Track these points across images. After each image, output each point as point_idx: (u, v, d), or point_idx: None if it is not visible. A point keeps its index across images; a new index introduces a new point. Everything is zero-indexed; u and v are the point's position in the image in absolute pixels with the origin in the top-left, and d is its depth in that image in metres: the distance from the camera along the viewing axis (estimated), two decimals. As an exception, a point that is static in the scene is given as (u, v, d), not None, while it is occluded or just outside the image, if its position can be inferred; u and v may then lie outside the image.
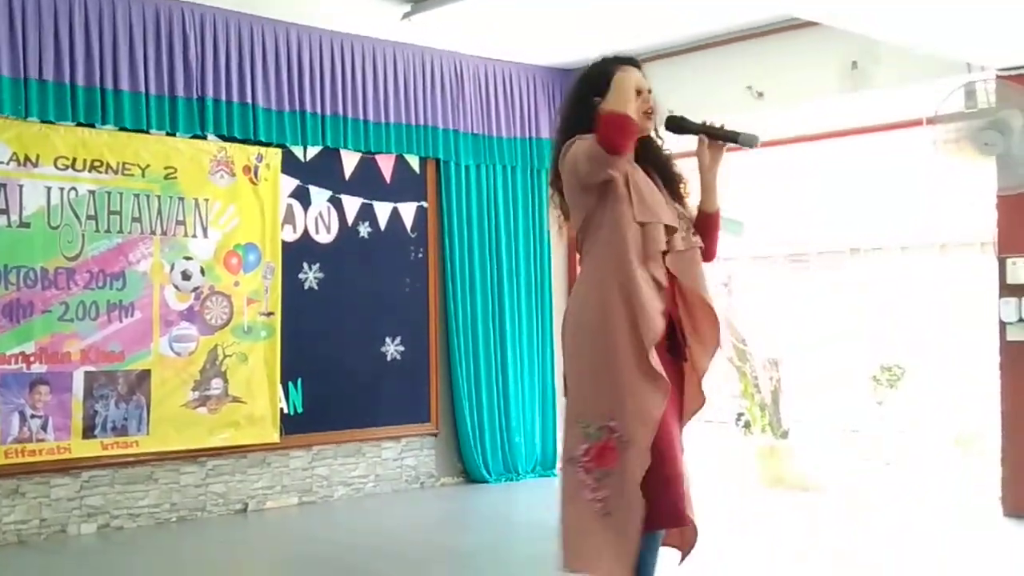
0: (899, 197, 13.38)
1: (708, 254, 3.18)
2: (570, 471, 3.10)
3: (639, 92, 3.07)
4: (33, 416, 5.57)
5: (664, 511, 2.95)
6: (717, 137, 3.11)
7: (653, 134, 3.21)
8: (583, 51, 7.29)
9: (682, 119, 3.15)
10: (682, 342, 3.06)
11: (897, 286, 14.47)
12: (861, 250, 14.78)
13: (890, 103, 6.49)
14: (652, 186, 3.06)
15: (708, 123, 3.14)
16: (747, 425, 9.29)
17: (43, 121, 5.61)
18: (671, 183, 3.18)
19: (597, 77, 3.12)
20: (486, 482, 7.21)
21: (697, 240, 3.12)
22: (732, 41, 6.84)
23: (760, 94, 6.74)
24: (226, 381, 6.21)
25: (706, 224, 3.17)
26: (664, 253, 3.03)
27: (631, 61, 3.16)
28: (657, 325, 2.94)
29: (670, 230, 3.03)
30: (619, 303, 2.96)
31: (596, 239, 3.04)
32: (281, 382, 6.42)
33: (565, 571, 3.03)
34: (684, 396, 3.12)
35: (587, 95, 3.11)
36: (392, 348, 6.99)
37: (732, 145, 3.15)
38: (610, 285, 2.99)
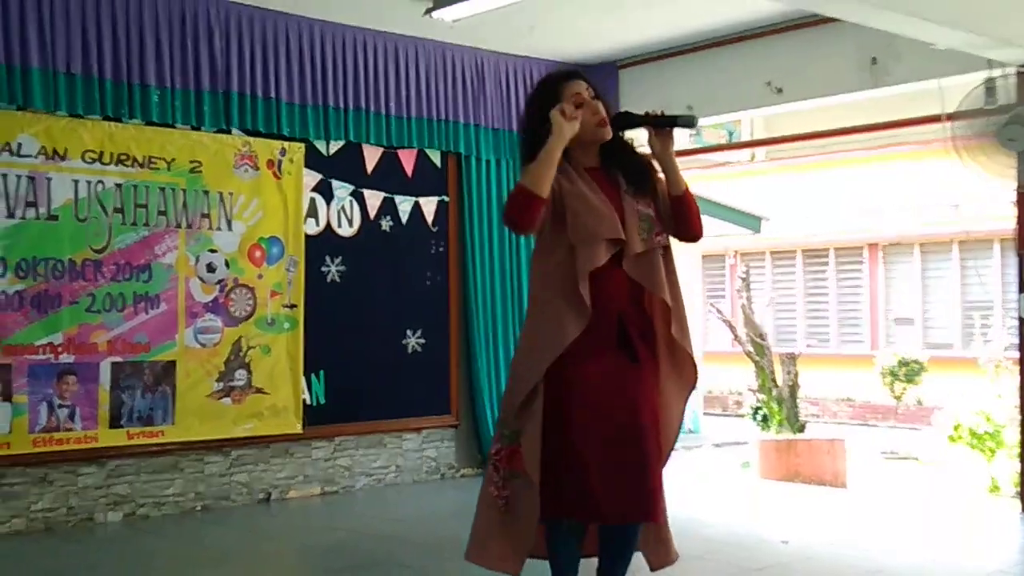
0: (918, 193, 13.36)
1: (691, 233, 3.29)
2: (487, 467, 3.28)
3: (581, 104, 3.18)
4: (61, 406, 5.66)
5: (569, 500, 3.06)
6: (658, 125, 3.24)
7: (624, 134, 3.35)
8: (602, 46, 7.36)
9: (626, 114, 3.29)
10: (634, 341, 3.17)
11: (916, 281, 14.47)
12: (880, 245, 14.79)
13: (909, 99, 6.50)
14: (590, 200, 3.14)
15: (650, 113, 3.25)
16: (764, 419, 9.32)
17: (71, 115, 5.69)
18: (636, 181, 3.25)
19: (546, 99, 3.23)
20: (505, 474, 7.25)
21: (661, 240, 3.21)
22: (751, 37, 6.86)
23: (779, 90, 6.76)
24: (250, 372, 6.29)
25: (678, 206, 3.26)
26: (621, 259, 3.15)
27: (574, 74, 3.30)
28: (546, 356, 3.08)
29: (617, 242, 3.13)
30: (529, 327, 3.22)
31: (538, 241, 3.25)
32: (304, 373, 6.50)
33: (467, 561, 3.29)
34: (645, 390, 3.19)
35: (534, 116, 3.24)
36: (413, 341, 7.06)
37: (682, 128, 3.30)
38: (529, 307, 3.24)
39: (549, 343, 3.08)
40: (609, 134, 3.24)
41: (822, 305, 15.29)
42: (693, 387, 3.33)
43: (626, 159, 3.27)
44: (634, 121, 3.27)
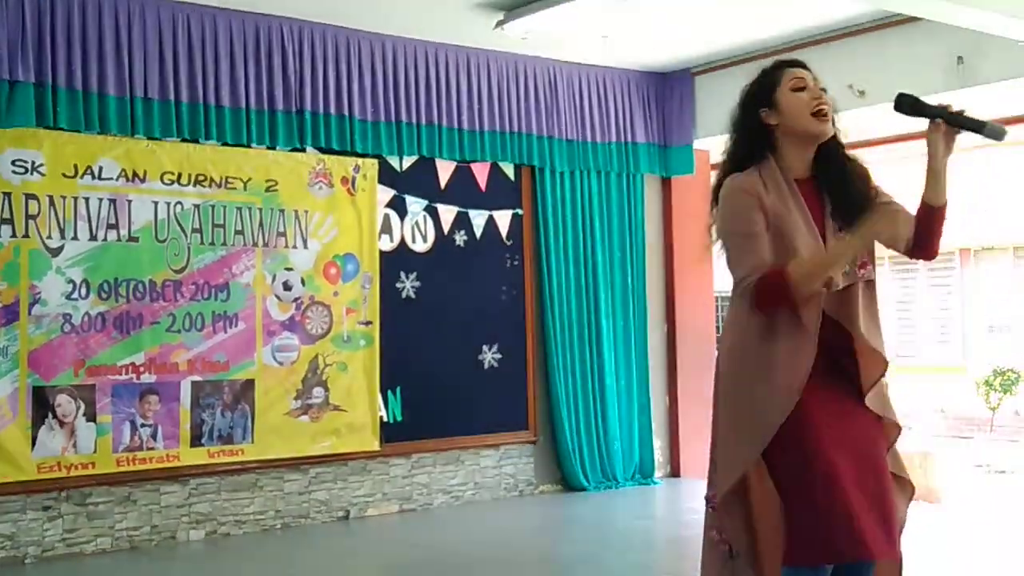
0: (1011, 196, 12.93)
1: (932, 252, 2.87)
2: (706, 507, 2.97)
3: (804, 88, 2.82)
4: (143, 425, 5.74)
5: (819, 543, 2.71)
6: (959, 125, 2.73)
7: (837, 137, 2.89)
8: (676, 53, 7.26)
9: (916, 101, 2.77)
10: (847, 367, 2.83)
11: (1010, 287, 13.98)
12: (971, 251, 14.34)
13: (998, 98, 6.27)
14: (799, 224, 2.77)
15: (946, 107, 2.74)
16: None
17: (149, 138, 5.77)
18: (845, 214, 2.81)
19: (762, 88, 2.90)
20: (584, 490, 7.17)
21: (864, 273, 2.83)
22: (832, 39, 6.69)
23: (862, 92, 6.57)
24: (327, 390, 6.31)
25: (931, 219, 2.80)
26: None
27: (797, 63, 2.94)
28: (790, 395, 2.69)
29: None
30: (744, 354, 2.80)
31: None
32: (380, 390, 6.50)
33: None
34: (869, 417, 2.85)
35: (752, 108, 2.89)
36: (489, 356, 7.01)
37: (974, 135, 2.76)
38: (739, 333, 2.84)
39: (785, 381, 2.71)
40: (828, 132, 2.81)
41: (912, 313, 14.87)
42: (894, 440, 2.92)
43: (838, 176, 2.82)
44: (926, 112, 2.74)
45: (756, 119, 2.85)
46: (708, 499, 2.95)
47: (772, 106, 2.84)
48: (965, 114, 2.73)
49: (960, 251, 14.32)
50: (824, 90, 2.86)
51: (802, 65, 2.92)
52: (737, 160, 2.88)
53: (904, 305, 14.93)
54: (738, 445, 2.79)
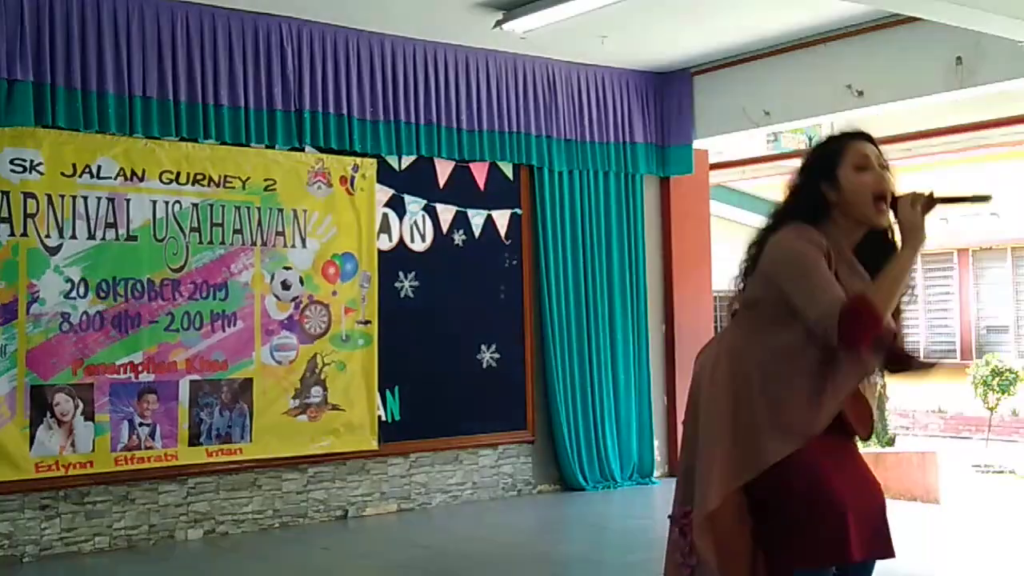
0: (1009, 197, 12.92)
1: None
2: (670, 527, 2.93)
3: (866, 167, 2.76)
4: (141, 424, 5.73)
5: (819, 545, 2.71)
6: (951, 203, 2.80)
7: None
8: (676, 53, 7.26)
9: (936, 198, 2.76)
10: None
11: (1008, 287, 13.99)
12: (970, 251, 14.34)
13: (998, 98, 6.27)
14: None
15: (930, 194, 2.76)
16: (851, 432, 9.07)
17: (148, 137, 5.77)
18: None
19: (825, 159, 2.83)
20: (583, 490, 7.17)
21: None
22: (829, 39, 6.69)
23: (860, 92, 6.58)
24: (325, 389, 6.31)
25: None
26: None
27: (864, 135, 2.85)
28: (796, 440, 2.71)
29: None
30: (762, 382, 2.78)
31: (774, 315, 2.79)
32: (379, 390, 6.49)
33: None
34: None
35: (812, 178, 2.82)
36: (488, 355, 7.01)
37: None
38: (762, 364, 2.80)
39: (800, 423, 2.74)
40: (884, 224, 2.78)
41: (910, 313, 14.88)
42: None
43: (877, 256, 2.77)
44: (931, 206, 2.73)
45: (816, 189, 2.79)
46: (676, 518, 2.89)
47: (833, 182, 2.78)
48: (943, 196, 2.75)
49: (959, 251, 14.33)
50: (885, 167, 2.81)
51: (868, 138, 2.86)
52: (791, 218, 2.82)
53: (904, 305, 14.91)
54: (750, 450, 2.74)
